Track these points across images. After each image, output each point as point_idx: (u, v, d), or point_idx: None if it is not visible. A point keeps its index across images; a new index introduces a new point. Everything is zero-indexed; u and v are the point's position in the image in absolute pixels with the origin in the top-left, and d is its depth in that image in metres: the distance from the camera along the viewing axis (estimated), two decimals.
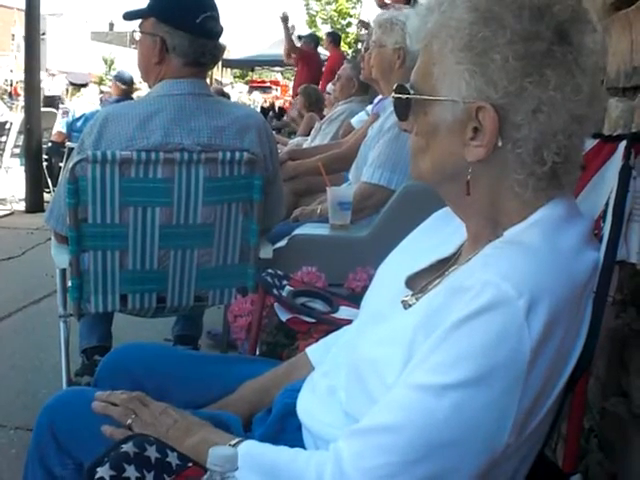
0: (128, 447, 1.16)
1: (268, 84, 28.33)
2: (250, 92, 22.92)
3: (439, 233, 1.44)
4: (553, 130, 1.16)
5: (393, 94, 1.30)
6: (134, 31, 2.79)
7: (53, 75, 18.35)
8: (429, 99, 1.22)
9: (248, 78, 30.37)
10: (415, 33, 1.26)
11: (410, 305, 1.30)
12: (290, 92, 19.65)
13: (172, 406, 1.43)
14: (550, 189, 1.21)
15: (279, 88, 28.22)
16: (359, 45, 11.26)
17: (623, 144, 1.32)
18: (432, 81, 1.21)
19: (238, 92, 20.40)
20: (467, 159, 1.20)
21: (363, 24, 10.03)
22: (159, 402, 1.44)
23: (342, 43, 14.52)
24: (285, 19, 10.65)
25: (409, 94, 1.26)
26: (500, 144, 1.17)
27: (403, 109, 1.28)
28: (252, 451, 1.22)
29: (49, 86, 15.15)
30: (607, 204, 1.30)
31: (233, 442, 1.26)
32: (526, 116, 1.15)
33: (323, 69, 10.94)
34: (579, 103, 1.16)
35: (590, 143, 1.34)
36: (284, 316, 1.99)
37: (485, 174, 1.21)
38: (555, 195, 1.22)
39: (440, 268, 1.35)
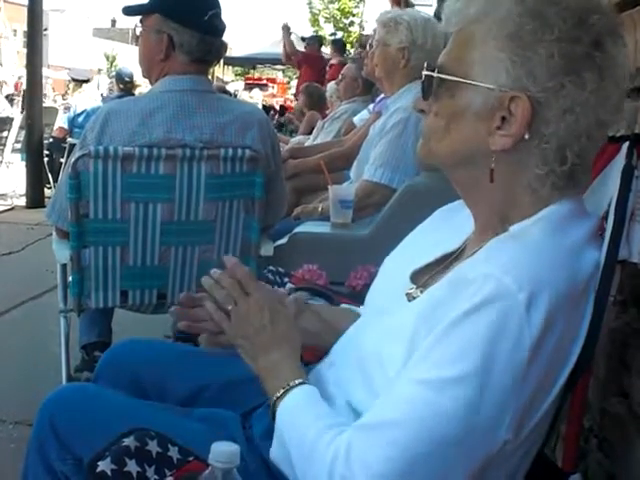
0: (129, 441, 1.17)
1: (264, 82, 28.07)
2: (249, 90, 22.72)
3: (444, 228, 1.44)
4: (579, 131, 1.17)
5: (425, 72, 1.29)
6: (136, 26, 2.78)
7: None
8: (463, 82, 1.22)
9: (249, 75, 30.24)
10: (454, 15, 1.26)
11: (414, 298, 1.31)
12: (292, 90, 19.63)
13: (271, 303, 1.40)
14: (566, 188, 1.22)
15: (276, 86, 27.97)
16: (360, 45, 11.23)
17: (627, 144, 1.33)
18: (466, 65, 1.22)
19: (233, 89, 20.11)
20: (491, 147, 1.20)
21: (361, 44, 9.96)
22: (261, 293, 1.41)
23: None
24: (287, 29, 10.60)
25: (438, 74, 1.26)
26: (527, 137, 1.18)
27: (430, 88, 1.28)
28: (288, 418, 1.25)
29: None
30: (610, 204, 1.30)
31: (292, 383, 1.28)
32: (557, 113, 1.16)
33: (327, 69, 10.92)
34: (607, 109, 1.19)
35: None
36: None
37: (504, 165, 1.22)
38: (567, 194, 1.22)
39: (444, 262, 1.35)
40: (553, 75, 1.15)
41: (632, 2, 1.78)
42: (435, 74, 1.26)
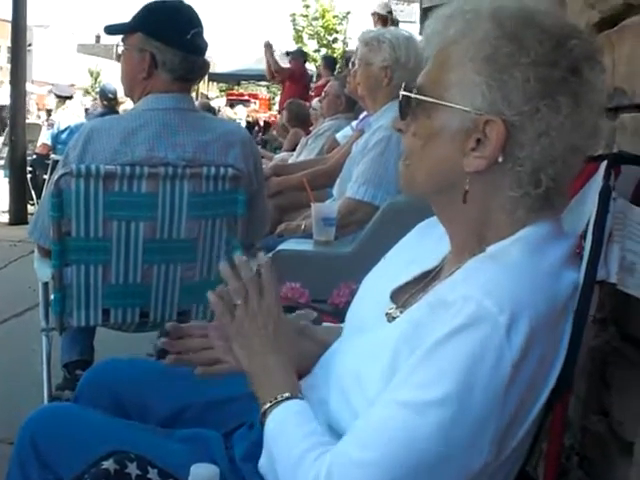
0: (108, 464, 1.16)
1: (246, 97, 27.93)
2: (233, 106, 22.64)
3: (422, 245, 1.44)
4: (554, 155, 1.17)
5: (402, 92, 1.29)
6: (118, 45, 2.77)
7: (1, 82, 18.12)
8: (439, 104, 1.22)
9: (231, 91, 30.11)
10: (434, 35, 1.27)
11: (394, 318, 1.31)
12: (277, 107, 19.61)
13: (279, 315, 1.36)
14: (541, 210, 1.22)
15: (258, 102, 27.84)
16: (344, 61, 11.24)
17: (604, 164, 1.33)
18: (442, 87, 1.22)
19: (216, 106, 20.07)
20: (465, 169, 1.21)
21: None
22: (274, 300, 1.36)
23: None
24: (269, 47, 10.57)
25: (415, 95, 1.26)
26: (501, 160, 1.18)
27: (408, 108, 1.28)
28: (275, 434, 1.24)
29: None
30: (588, 223, 1.31)
31: (279, 398, 1.26)
32: (532, 137, 1.16)
33: (312, 85, 10.93)
34: (582, 135, 1.19)
35: None
36: None
37: (479, 186, 1.22)
38: (544, 215, 1.23)
39: (424, 280, 1.35)
40: (529, 99, 1.16)
41: (610, 22, 1.80)
42: (412, 95, 1.27)
